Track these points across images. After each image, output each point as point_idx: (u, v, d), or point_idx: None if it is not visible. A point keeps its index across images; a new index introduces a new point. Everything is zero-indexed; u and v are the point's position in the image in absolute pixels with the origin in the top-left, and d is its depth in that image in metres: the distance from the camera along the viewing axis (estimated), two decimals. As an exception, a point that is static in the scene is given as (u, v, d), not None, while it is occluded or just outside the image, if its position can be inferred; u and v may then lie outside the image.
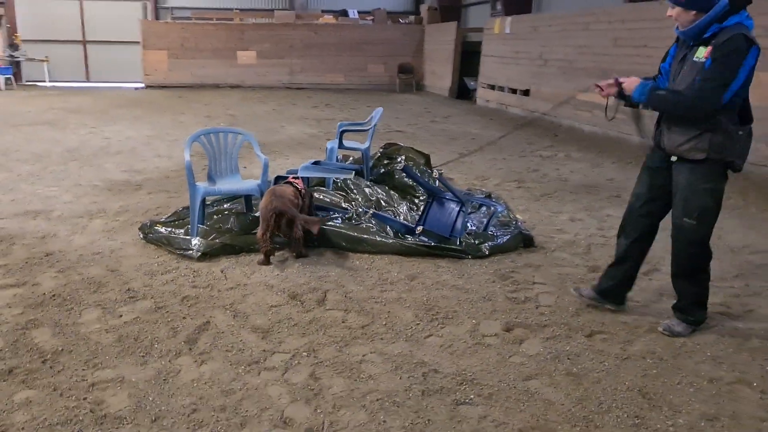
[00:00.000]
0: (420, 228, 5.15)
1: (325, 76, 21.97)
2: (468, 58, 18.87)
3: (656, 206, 3.79)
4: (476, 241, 5.15)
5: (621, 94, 3.68)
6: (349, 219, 5.57)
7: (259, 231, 4.76)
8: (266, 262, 4.82)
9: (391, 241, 5.12)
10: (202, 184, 5.30)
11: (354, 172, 6.09)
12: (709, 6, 3.31)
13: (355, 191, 6.37)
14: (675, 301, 3.91)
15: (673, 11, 3.44)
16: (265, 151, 9.63)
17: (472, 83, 18.64)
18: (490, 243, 5.17)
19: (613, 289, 4.07)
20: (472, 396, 3.14)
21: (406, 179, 6.56)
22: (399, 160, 7.36)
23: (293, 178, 5.33)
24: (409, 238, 5.19)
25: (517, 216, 6.10)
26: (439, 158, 9.17)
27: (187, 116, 13.65)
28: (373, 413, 2.97)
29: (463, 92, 19.32)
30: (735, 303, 4.30)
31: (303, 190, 5.18)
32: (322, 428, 2.83)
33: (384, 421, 2.91)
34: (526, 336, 3.79)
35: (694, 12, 3.36)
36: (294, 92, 20.25)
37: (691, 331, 3.82)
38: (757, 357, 3.57)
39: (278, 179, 5.68)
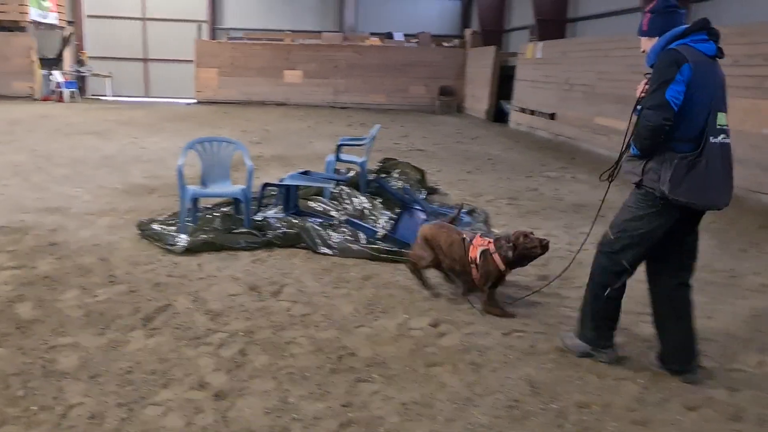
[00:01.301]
0: (381, 233, 5.56)
1: (367, 96, 22.64)
2: (506, 82, 19.18)
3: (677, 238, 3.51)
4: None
5: None
6: (331, 225, 6.03)
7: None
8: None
9: (356, 247, 5.55)
10: (194, 187, 5.87)
11: (338, 182, 6.55)
12: (664, 31, 3.33)
13: (347, 201, 6.85)
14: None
15: (642, 44, 3.47)
16: (284, 163, 10.28)
17: (507, 106, 18.93)
18: (451, 251, 5.52)
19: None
20: (375, 376, 3.53)
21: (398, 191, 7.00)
22: (394, 174, 7.80)
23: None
24: (380, 244, 5.61)
25: (493, 230, 6.42)
26: (445, 175, 9.57)
27: (225, 130, 14.45)
28: (280, 383, 3.40)
29: (499, 115, 19.61)
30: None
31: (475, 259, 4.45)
32: (229, 391, 3.27)
33: (287, 390, 3.33)
34: (448, 331, 4.15)
35: (656, 39, 3.38)
36: (336, 111, 20.97)
37: (582, 353, 3.76)
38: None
39: (265, 186, 6.20)
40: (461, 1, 26.66)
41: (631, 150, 3.44)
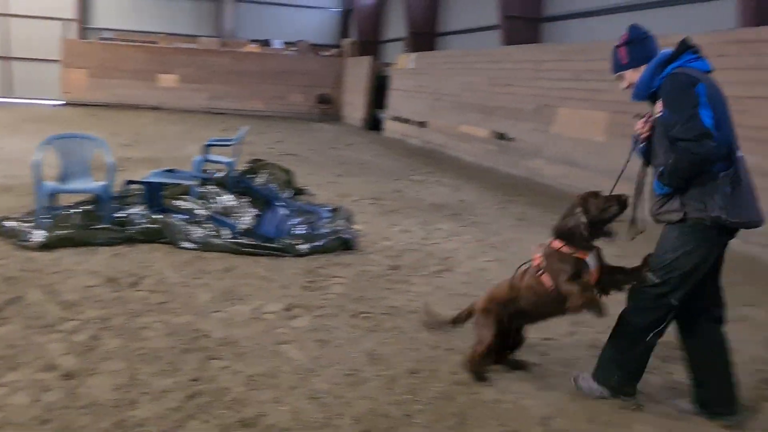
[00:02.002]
0: (241, 227, 5.79)
1: (245, 102, 22.55)
2: (382, 92, 19.85)
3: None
4: (296, 242, 5.81)
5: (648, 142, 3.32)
6: (195, 222, 6.16)
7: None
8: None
9: (219, 241, 5.73)
10: (51, 183, 5.82)
11: (203, 180, 6.69)
12: (648, 58, 3.20)
13: (214, 199, 6.99)
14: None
15: (626, 78, 3.29)
16: (154, 165, 10.15)
17: (382, 115, 19.59)
18: (310, 244, 5.84)
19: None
20: (225, 353, 3.76)
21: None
22: (262, 174, 8.02)
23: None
24: (242, 238, 5.81)
25: (354, 226, 6.80)
26: (316, 178, 9.88)
27: (93, 133, 13.96)
28: (131, 363, 3.55)
29: (375, 124, 20.23)
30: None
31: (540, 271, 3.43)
32: (78, 370, 3.38)
33: (137, 368, 3.49)
34: (300, 314, 4.45)
35: (642, 68, 3.21)
36: (212, 116, 20.74)
37: (600, 396, 3.42)
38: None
39: (129, 183, 6.23)
40: (340, 12, 27.23)
41: (656, 190, 3.18)
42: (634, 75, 3.24)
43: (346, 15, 26.95)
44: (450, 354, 3.96)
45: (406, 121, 16.89)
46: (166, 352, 3.71)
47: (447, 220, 7.69)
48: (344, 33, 26.80)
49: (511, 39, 13.36)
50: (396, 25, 21.80)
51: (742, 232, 3.17)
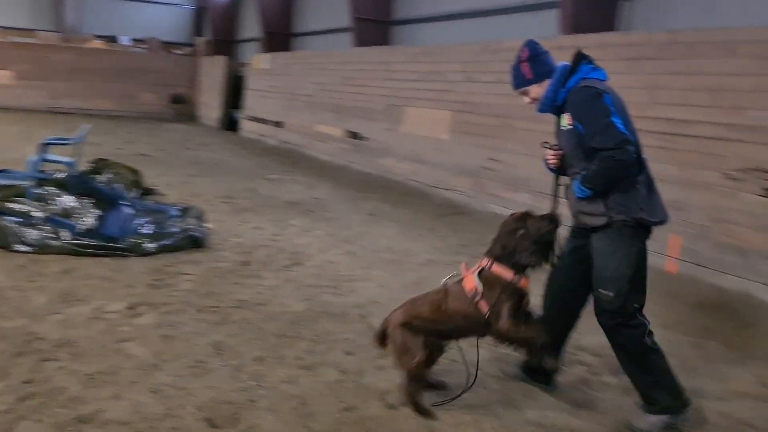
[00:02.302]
0: (82, 228, 5.58)
1: (91, 101, 21.26)
2: (238, 92, 19.59)
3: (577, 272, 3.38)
4: (142, 241, 5.68)
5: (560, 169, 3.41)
6: (31, 224, 5.82)
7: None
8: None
9: (57, 243, 5.48)
10: None
11: (37, 180, 6.34)
12: (550, 72, 3.29)
13: (53, 200, 6.62)
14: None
15: (531, 93, 3.35)
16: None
17: (239, 115, 19.34)
18: (157, 243, 5.74)
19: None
20: (61, 354, 3.64)
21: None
22: (106, 174, 7.71)
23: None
24: (83, 239, 5.59)
25: (206, 224, 6.74)
26: (168, 179, 9.62)
27: None
28: (-46, 370, 3.36)
29: (231, 124, 19.91)
30: (342, 285, 5.28)
31: (478, 291, 3.20)
32: None
33: (-40, 375, 3.31)
34: (145, 312, 4.38)
35: (546, 82, 3.29)
36: (55, 116, 19.40)
37: (667, 425, 3.22)
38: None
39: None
40: (193, 9, 26.47)
41: (578, 194, 3.18)
42: (538, 90, 3.31)
43: (200, 13, 26.26)
44: (296, 341, 4.10)
45: (262, 121, 16.82)
46: (-6, 357, 3.54)
47: (300, 217, 7.82)
48: (198, 31, 26.09)
49: (362, 41, 13.75)
50: (251, 25, 21.60)
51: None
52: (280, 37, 18.21)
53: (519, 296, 3.16)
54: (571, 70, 3.26)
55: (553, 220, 3.21)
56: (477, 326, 3.22)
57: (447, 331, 3.28)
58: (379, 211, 8.53)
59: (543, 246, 3.18)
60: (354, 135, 12.12)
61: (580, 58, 3.29)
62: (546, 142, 3.42)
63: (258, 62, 17.26)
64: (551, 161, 3.40)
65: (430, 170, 9.80)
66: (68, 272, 5.05)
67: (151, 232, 5.99)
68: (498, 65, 8.53)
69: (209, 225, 6.79)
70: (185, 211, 7.03)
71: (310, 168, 12.25)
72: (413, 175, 10.26)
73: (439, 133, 9.66)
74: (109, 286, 4.82)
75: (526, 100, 3.39)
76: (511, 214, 3.31)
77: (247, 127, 17.79)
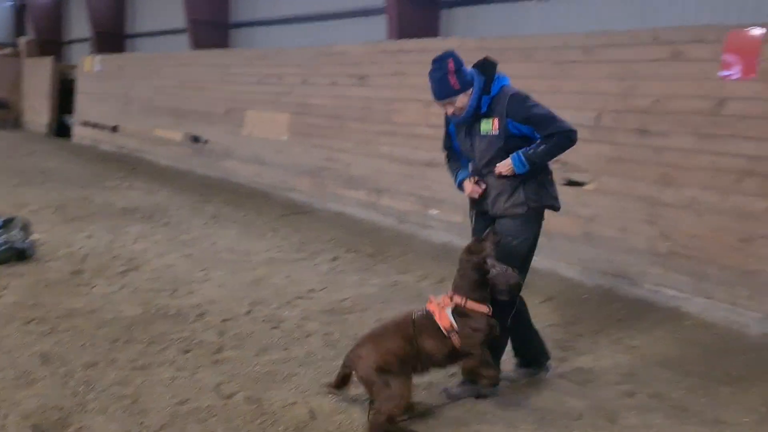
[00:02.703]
0: None
1: None
2: (69, 95, 18.44)
3: None
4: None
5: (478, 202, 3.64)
6: None
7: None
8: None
9: None
10: None
11: None
12: (472, 82, 3.43)
13: None
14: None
15: (455, 103, 3.45)
16: None
17: (69, 120, 18.22)
18: (-26, 257, 5.43)
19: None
20: None
21: None
22: None
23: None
24: None
25: (32, 235, 6.42)
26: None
27: None
28: None
29: (62, 130, 18.70)
30: (179, 287, 5.32)
31: (451, 327, 3.27)
32: None
33: None
34: (-38, 328, 4.19)
35: (470, 91, 3.43)
36: None
37: (533, 375, 3.85)
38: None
39: None
40: (12, 6, 24.50)
41: (518, 170, 3.41)
42: (464, 99, 3.44)
43: (21, 10, 24.35)
44: (130, 344, 4.13)
45: (95, 126, 16.00)
46: None
47: (137, 223, 7.66)
48: (19, 30, 24.18)
49: (199, 43, 13.58)
50: (79, 25, 20.41)
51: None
52: (111, 37, 17.42)
53: (490, 330, 3.29)
54: (490, 79, 3.47)
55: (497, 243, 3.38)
56: (448, 361, 3.32)
57: (419, 367, 3.28)
58: (222, 214, 8.55)
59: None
60: (195, 138, 11.95)
61: (493, 67, 3.52)
62: (476, 178, 3.59)
63: (88, 64, 16.38)
64: (475, 194, 3.59)
65: (272, 171, 9.94)
66: None
67: (-31, 246, 5.66)
68: (332, 68, 8.89)
69: (36, 236, 6.49)
70: (7, 223, 6.66)
71: (149, 173, 11.90)
72: (256, 176, 10.35)
73: (279, 134, 9.83)
74: None
75: (450, 109, 3.50)
76: (468, 249, 3.39)
77: (80, 133, 16.82)
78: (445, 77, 3.42)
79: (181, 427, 3.18)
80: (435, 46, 7.56)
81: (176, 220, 8.05)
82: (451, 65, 3.41)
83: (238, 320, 4.70)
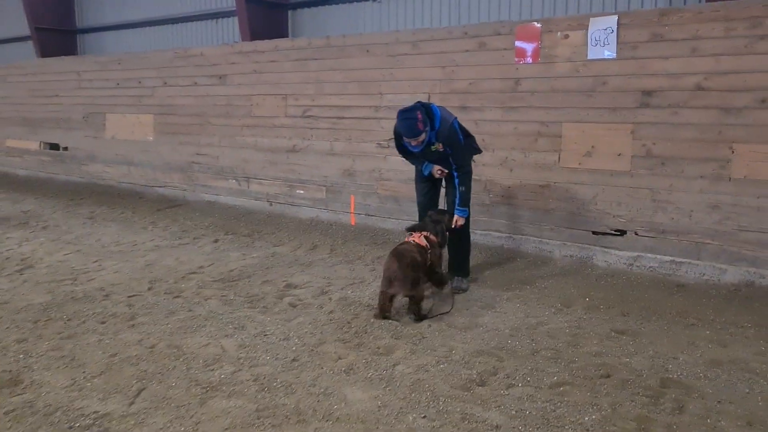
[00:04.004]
0: None
1: None
2: None
3: (436, 191, 5.65)
4: None
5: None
6: None
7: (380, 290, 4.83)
8: (380, 316, 4.77)
9: None
10: None
11: None
12: (427, 124, 5.04)
13: None
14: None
15: (420, 138, 5.02)
16: None
17: None
18: None
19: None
20: None
21: None
22: None
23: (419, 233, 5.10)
24: None
25: None
26: None
27: None
28: None
29: None
30: (79, 276, 5.90)
31: (428, 247, 4.99)
32: None
33: None
34: None
35: (427, 129, 5.05)
36: None
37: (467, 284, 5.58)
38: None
39: None
40: None
41: (461, 214, 5.33)
42: (424, 135, 5.05)
43: None
44: (51, 322, 4.74)
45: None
46: None
47: (15, 230, 7.95)
48: None
49: (45, 51, 13.46)
50: None
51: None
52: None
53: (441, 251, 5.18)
54: (432, 119, 5.09)
55: (449, 213, 5.31)
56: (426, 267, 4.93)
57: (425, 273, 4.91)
58: (97, 214, 8.96)
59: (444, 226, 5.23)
60: (53, 146, 12.01)
61: (430, 106, 5.18)
62: (439, 169, 5.36)
63: None
64: (440, 174, 5.41)
65: (141, 171, 10.40)
66: None
67: None
68: (191, 70, 9.53)
69: None
70: None
71: (7, 184, 11.81)
72: (124, 177, 10.73)
73: (144, 135, 10.29)
74: None
75: (414, 142, 5.08)
76: (435, 211, 5.34)
77: None
78: (414, 124, 5.01)
79: (118, 370, 3.94)
80: (286, 45, 8.52)
81: (53, 223, 8.39)
82: (419, 116, 5.00)
83: (143, 295, 5.42)
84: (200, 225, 8.23)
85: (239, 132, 8.96)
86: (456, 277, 5.49)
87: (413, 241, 4.97)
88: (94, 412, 3.39)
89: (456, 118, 5.31)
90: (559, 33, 6.20)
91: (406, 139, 5.17)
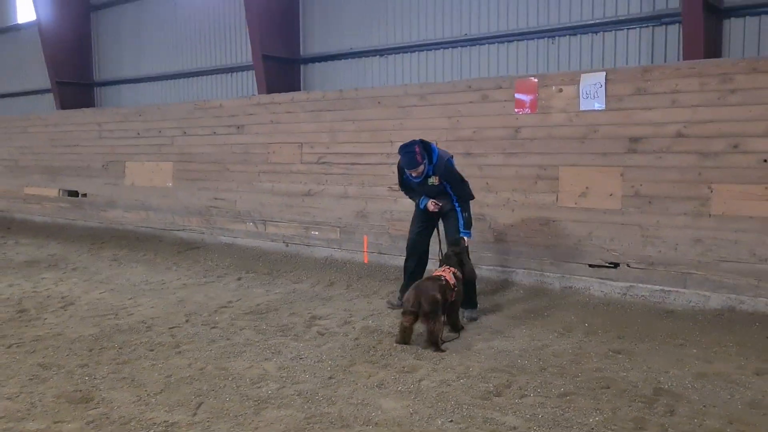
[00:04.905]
0: None
1: None
2: None
3: (427, 234, 6.24)
4: None
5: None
6: None
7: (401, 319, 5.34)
8: (401, 342, 5.29)
9: None
10: None
11: None
12: (425, 157, 5.79)
13: None
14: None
15: (419, 170, 5.78)
16: None
17: None
18: (-74, 308, 6.16)
19: None
20: None
21: None
22: None
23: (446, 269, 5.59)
24: None
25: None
26: None
27: None
28: None
29: None
30: (120, 311, 6.42)
31: (454, 285, 5.46)
32: None
33: None
34: (-45, 357, 5.09)
35: (425, 161, 5.80)
36: None
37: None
38: (123, 333, 5.68)
39: None
40: None
41: (465, 237, 5.94)
42: (422, 167, 5.81)
43: None
44: (105, 350, 5.25)
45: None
46: None
47: (47, 272, 8.47)
48: None
49: (65, 103, 14.19)
50: None
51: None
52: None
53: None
54: (430, 154, 5.84)
55: (465, 248, 5.93)
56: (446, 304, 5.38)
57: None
58: (121, 257, 9.50)
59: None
60: (72, 193, 12.60)
61: (430, 145, 5.94)
62: (434, 202, 6.01)
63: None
64: (437, 208, 6.02)
65: (160, 215, 10.98)
66: None
67: None
68: (210, 120, 10.22)
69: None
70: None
71: (28, 230, 12.35)
72: (143, 222, 11.31)
73: (163, 182, 10.91)
74: None
75: (415, 173, 5.85)
76: (454, 248, 5.85)
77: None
78: (414, 156, 5.77)
79: (176, 388, 4.45)
80: (302, 97, 9.23)
81: (82, 265, 8.92)
82: (417, 149, 5.77)
83: (182, 327, 5.95)
84: (221, 265, 8.79)
85: (257, 178, 9.59)
86: (467, 310, 6.03)
87: (443, 276, 5.44)
88: (164, 422, 3.90)
89: (452, 156, 6.03)
90: (554, 87, 6.92)
91: (407, 171, 5.90)
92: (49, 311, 6.49)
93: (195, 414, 4.02)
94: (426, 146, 5.90)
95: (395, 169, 7.99)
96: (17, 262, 9.12)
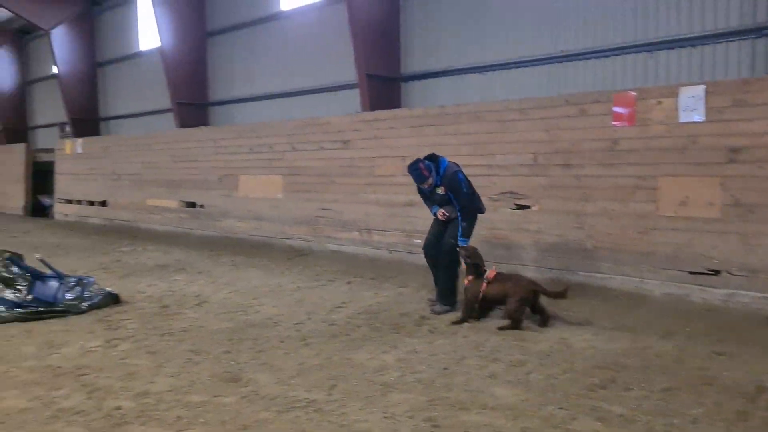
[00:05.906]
0: (29, 296, 6.83)
1: None
2: (40, 177, 19.86)
3: (440, 239, 6.95)
4: (76, 303, 7.04)
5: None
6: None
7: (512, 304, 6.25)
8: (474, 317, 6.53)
9: (5, 314, 6.66)
10: None
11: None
12: (432, 171, 6.66)
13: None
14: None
15: (428, 182, 6.68)
16: None
17: (47, 200, 19.59)
18: (87, 303, 7.12)
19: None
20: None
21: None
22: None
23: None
24: (18, 309, 6.78)
25: (105, 287, 8.10)
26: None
27: None
28: None
29: (38, 210, 20.02)
30: (249, 308, 7.16)
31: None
32: None
33: (31, 390, 4.73)
34: (119, 343, 5.89)
35: (433, 174, 6.69)
36: None
37: (446, 311, 6.84)
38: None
39: None
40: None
41: (461, 243, 6.66)
42: (430, 180, 6.69)
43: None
44: (242, 341, 5.94)
45: (79, 202, 17.46)
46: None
47: (178, 274, 9.41)
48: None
49: (183, 122, 15.49)
50: (45, 111, 21.95)
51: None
52: (87, 122, 19.10)
53: None
54: (437, 165, 6.66)
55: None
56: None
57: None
58: (238, 262, 10.37)
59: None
60: (190, 204, 13.73)
61: (437, 157, 6.80)
62: (443, 212, 6.87)
63: (69, 147, 17.94)
64: (442, 217, 6.88)
65: (270, 225, 11.84)
66: (29, 331, 6.31)
67: (77, 295, 7.32)
68: (318, 136, 10.98)
69: (108, 288, 8.17)
70: (80, 281, 8.31)
71: (152, 238, 13.55)
72: (255, 231, 12.22)
73: (273, 193, 11.78)
74: (76, 334, 6.20)
75: (425, 185, 6.72)
76: (468, 252, 6.65)
77: (62, 210, 18.22)
78: (420, 172, 6.67)
79: (309, 374, 5.05)
80: (404, 114, 9.82)
81: (206, 269, 9.83)
82: (421, 165, 6.65)
83: (305, 323, 6.59)
84: (329, 270, 9.46)
85: (362, 189, 10.25)
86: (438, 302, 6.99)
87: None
88: (305, 398, 4.49)
89: (461, 169, 6.77)
90: (652, 100, 7.16)
91: (419, 185, 6.82)
92: (187, 307, 7.31)
93: (330, 394, 4.59)
94: (434, 159, 6.75)
95: (495, 180, 8.48)
96: (150, 266, 10.14)
